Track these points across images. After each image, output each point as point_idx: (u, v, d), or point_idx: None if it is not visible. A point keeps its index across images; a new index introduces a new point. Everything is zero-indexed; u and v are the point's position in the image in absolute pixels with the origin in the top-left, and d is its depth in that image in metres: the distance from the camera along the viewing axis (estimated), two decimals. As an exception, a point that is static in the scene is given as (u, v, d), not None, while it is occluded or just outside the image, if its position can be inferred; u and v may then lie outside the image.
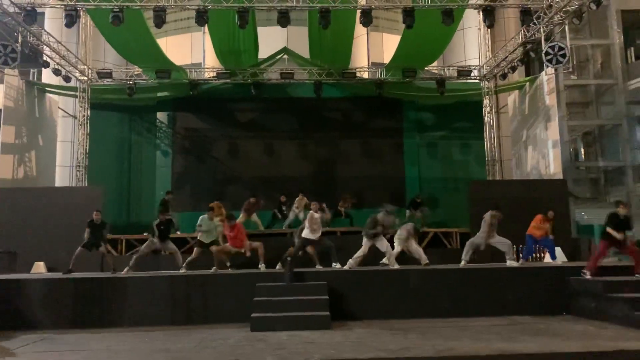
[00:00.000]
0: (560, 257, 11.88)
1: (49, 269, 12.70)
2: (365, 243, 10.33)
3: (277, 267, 10.64)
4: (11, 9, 13.06)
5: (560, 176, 15.19)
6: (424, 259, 10.75)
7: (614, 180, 20.88)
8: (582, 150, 22.55)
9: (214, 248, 10.86)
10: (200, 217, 11.16)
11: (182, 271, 10.38)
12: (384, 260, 10.72)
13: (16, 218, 13.25)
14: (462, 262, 10.65)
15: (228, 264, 11.01)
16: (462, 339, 6.85)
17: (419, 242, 13.84)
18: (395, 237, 11.19)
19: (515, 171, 18.11)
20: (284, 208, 14.82)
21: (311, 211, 10.83)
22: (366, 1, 14.19)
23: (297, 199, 14.43)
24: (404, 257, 11.11)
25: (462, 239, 13.84)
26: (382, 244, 10.31)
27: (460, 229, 14.23)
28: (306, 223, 10.74)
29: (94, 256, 11.38)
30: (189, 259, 10.93)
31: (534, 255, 12.48)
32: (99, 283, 9.39)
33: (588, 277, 8.99)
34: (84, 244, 10.74)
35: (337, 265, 10.42)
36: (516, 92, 17.88)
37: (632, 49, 20.87)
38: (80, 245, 10.71)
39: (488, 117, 17.87)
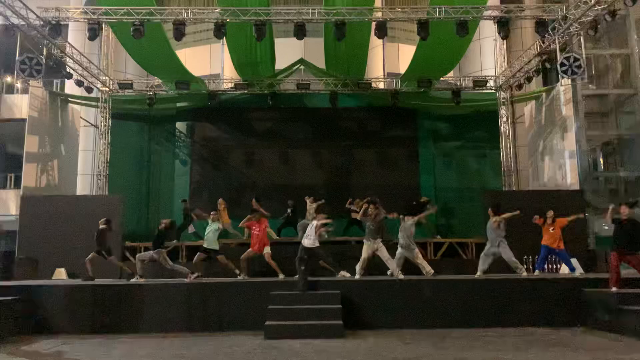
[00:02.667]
0: (577, 268, 11.77)
1: (70, 276, 13.01)
2: (365, 249, 10.47)
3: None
4: (37, 23, 13.46)
5: (577, 187, 15.08)
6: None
7: (634, 190, 20.58)
8: (601, 160, 22.28)
9: (222, 258, 11.02)
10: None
11: (187, 280, 10.34)
12: (390, 271, 10.72)
13: (38, 225, 13.66)
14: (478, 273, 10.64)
15: (237, 272, 11.02)
16: (473, 350, 6.89)
17: (433, 252, 13.97)
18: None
19: (531, 182, 17.99)
20: (289, 211, 15.02)
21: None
22: (382, 13, 14.30)
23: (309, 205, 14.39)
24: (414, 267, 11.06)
25: (478, 249, 13.81)
26: (383, 254, 10.42)
27: (475, 239, 14.21)
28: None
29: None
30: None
31: (546, 266, 12.24)
32: (117, 290, 9.61)
33: (614, 290, 8.60)
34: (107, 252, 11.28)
35: (345, 274, 10.41)
36: (533, 102, 17.82)
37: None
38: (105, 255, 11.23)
39: (504, 127, 17.83)
